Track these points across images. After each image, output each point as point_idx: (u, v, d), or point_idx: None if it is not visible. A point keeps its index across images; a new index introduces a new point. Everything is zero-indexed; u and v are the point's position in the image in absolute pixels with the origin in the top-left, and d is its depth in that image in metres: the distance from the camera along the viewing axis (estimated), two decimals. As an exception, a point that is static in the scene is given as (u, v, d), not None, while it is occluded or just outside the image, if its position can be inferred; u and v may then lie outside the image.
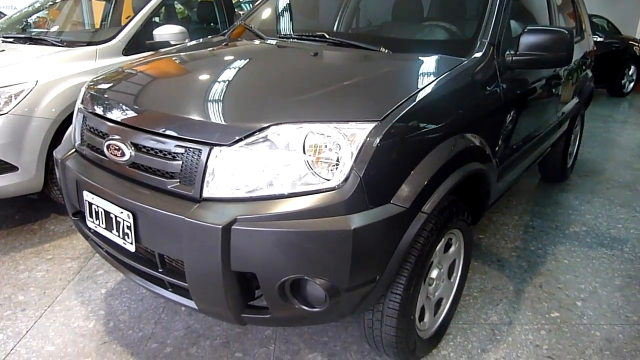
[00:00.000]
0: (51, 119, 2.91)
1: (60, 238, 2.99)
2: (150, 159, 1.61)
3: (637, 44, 8.85)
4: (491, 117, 2.10)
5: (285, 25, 2.79)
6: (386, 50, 2.09)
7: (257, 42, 2.48)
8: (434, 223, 1.71)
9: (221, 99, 1.72)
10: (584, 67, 3.78)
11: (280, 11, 2.91)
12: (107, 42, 3.42)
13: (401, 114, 1.56)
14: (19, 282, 2.54)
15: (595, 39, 7.51)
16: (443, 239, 1.89)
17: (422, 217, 1.61)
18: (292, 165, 1.47)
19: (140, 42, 3.58)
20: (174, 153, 1.56)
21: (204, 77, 2.01)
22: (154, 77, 2.10)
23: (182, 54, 2.41)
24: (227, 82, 1.87)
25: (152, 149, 1.61)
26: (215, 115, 1.61)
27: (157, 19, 4.66)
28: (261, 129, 1.49)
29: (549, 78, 2.78)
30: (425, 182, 1.60)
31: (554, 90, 2.93)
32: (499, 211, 3.50)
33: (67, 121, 2.95)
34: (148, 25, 3.68)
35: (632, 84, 8.75)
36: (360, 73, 1.87)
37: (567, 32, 2.10)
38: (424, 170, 1.61)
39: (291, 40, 2.39)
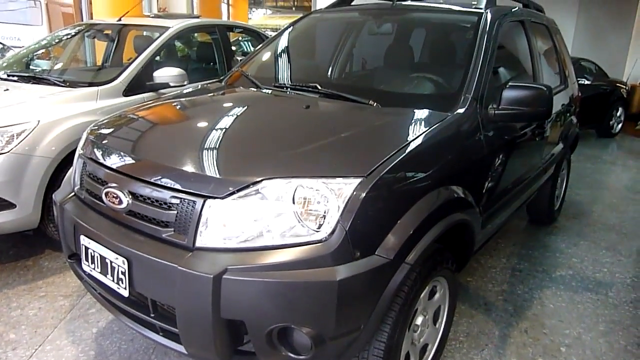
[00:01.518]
0: (51, 158, 2.99)
1: (54, 275, 3.03)
2: (146, 207, 1.69)
3: (624, 87, 9.10)
4: (474, 169, 2.20)
5: (279, 73, 2.91)
6: (375, 104, 2.19)
7: (252, 90, 2.59)
8: (417, 272, 1.78)
9: (216, 151, 1.81)
10: (568, 114, 3.92)
11: (275, 59, 3.05)
12: (109, 83, 3.54)
13: (386, 170, 1.65)
14: (11, 319, 2.56)
15: (582, 82, 7.78)
16: (427, 287, 1.96)
17: (406, 267, 1.68)
18: (281, 218, 1.55)
19: (140, 83, 3.70)
20: (170, 203, 1.64)
21: (200, 127, 2.11)
22: (152, 125, 2.20)
23: (180, 101, 2.52)
24: (222, 133, 1.97)
25: (149, 198, 1.69)
26: (210, 167, 1.70)
27: (157, 58, 4.83)
28: (253, 183, 1.57)
29: (532, 127, 2.90)
30: (409, 234, 1.68)
31: (537, 139, 3.05)
32: (487, 253, 3.57)
33: (66, 160, 3.03)
34: (149, 67, 3.80)
35: (620, 125, 8.95)
36: (349, 127, 1.97)
37: (546, 89, 2.23)
38: (407, 222, 1.69)
39: (285, 90, 2.50)
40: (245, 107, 2.30)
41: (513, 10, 3.06)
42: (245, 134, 1.99)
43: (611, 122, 8.73)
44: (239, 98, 2.52)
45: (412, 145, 1.82)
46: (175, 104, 2.48)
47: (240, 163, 1.74)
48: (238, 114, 2.20)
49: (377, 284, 1.62)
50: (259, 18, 27.40)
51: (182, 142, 1.94)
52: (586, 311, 2.88)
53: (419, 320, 2.00)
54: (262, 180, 1.58)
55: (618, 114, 8.83)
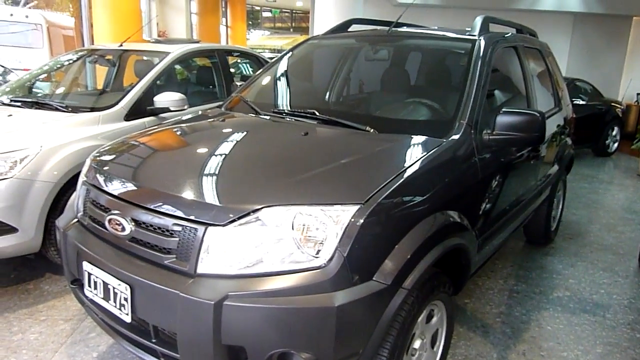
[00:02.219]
0: (53, 182, 3.03)
1: (54, 299, 3.04)
2: (149, 234, 1.73)
3: (619, 106, 9.22)
4: (470, 193, 2.25)
5: (278, 99, 2.97)
6: (372, 130, 2.25)
7: (251, 116, 2.64)
8: (415, 297, 1.81)
9: (216, 178, 1.86)
10: (562, 136, 3.98)
11: (273, 84, 3.11)
12: (110, 108, 3.59)
13: (383, 196, 1.70)
14: (12, 344, 2.58)
15: (578, 102, 7.89)
16: (425, 311, 1.98)
17: (403, 292, 1.72)
18: (281, 244, 1.59)
19: (141, 107, 3.76)
20: (172, 230, 1.68)
21: (201, 154, 2.16)
22: (153, 152, 2.25)
23: (181, 128, 2.57)
24: (222, 160, 2.02)
25: (151, 225, 1.73)
26: (211, 195, 1.74)
27: (158, 82, 4.91)
28: (253, 211, 1.62)
29: (527, 150, 2.95)
30: (406, 259, 1.71)
31: (533, 161, 3.10)
32: (485, 275, 3.59)
33: (68, 184, 3.07)
34: (149, 92, 3.86)
35: (616, 144, 9.05)
36: (347, 154, 2.01)
37: (539, 114, 2.28)
38: (404, 247, 1.73)
39: (284, 116, 2.55)
40: (245, 134, 2.35)
41: (506, 36, 3.15)
42: (245, 161, 2.04)
43: (607, 142, 8.83)
44: (238, 124, 2.58)
45: (409, 172, 1.87)
46: (175, 130, 2.53)
47: (240, 191, 1.78)
48: (237, 141, 2.25)
49: (375, 309, 1.65)
50: (258, 39, 27.77)
51: (183, 169, 1.99)
52: (584, 333, 2.90)
53: (416, 344, 2.02)
54: (261, 208, 1.62)
55: (614, 133, 8.93)
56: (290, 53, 3.28)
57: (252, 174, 1.89)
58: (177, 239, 1.66)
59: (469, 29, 2.91)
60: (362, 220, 1.61)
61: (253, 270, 1.58)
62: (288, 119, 2.52)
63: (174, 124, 2.65)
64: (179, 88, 5.01)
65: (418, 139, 2.19)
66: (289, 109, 2.71)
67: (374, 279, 1.64)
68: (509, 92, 3.07)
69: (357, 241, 1.59)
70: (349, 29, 3.47)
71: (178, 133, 2.51)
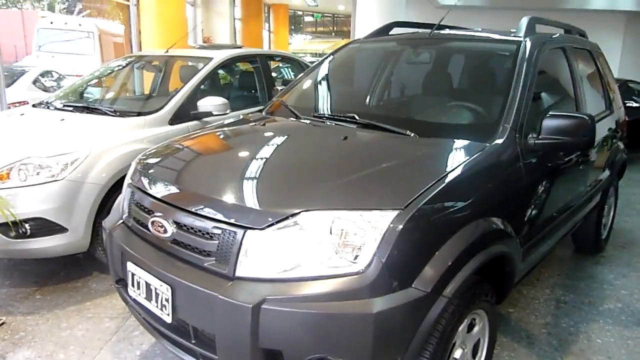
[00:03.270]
0: (101, 185, 3.14)
1: (101, 297, 3.15)
2: (190, 237, 1.76)
3: (676, 109, 8.73)
4: (514, 199, 2.17)
5: (318, 103, 2.98)
6: (412, 134, 2.21)
7: (291, 120, 2.66)
8: (455, 306, 1.76)
9: (256, 182, 1.88)
10: (614, 140, 3.81)
11: (314, 88, 3.12)
12: (155, 112, 3.70)
13: (423, 202, 1.66)
14: (60, 339, 2.68)
15: (631, 105, 7.53)
16: (466, 320, 1.93)
17: (443, 300, 1.68)
18: (319, 249, 1.58)
19: (185, 112, 3.85)
20: (212, 233, 1.70)
21: (241, 158, 2.19)
22: (196, 156, 2.30)
23: (222, 132, 2.61)
24: (261, 164, 2.04)
25: (192, 228, 1.76)
26: (250, 199, 1.76)
27: (202, 87, 5.02)
28: (292, 215, 1.62)
29: (576, 155, 2.83)
30: (446, 267, 1.67)
31: (581, 166, 2.98)
32: (530, 284, 3.47)
33: (115, 186, 3.17)
34: (193, 96, 3.96)
35: (672, 149, 8.57)
36: (386, 159, 1.99)
37: (588, 118, 2.19)
38: (445, 255, 1.69)
39: (323, 120, 2.56)
40: (285, 138, 2.36)
41: (554, 37, 3.04)
42: (284, 165, 2.05)
43: (662, 146, 8.37)
44: (279, 128, 2.60)
45: (450, 177, 1.83)
46: (217, 134, 2.58)
47: (279, 195, 1.79)
48: (277, 145, 2.27)
49: (414, 316, 1.62)
50: (300, 43, 28.01)
51: (223, 173, 2.02)
52: (637, 347, 2.75)
53: (457, 353, 1.96)
54: (300, 212, 1.62)
55: (670, 137, 8.46)
56: (331, 57, 3.28)
57: (291, 178, 1.90)
58: (217, 241, 1.68)
59: (514, 30, 2.83)
60: (401, 226, 1.59)
61: (291, 275, 1.58)
62: (328, 123, 2.52)
63: (215, 128, 2.70)
64: (222, 93, 5.10)
65: (460, 143, 2.14)
66: (329, 113, 2.71)
67: (413, 286, 1.61)
68: (557, 95, 2.96)
69: (396, 247, 1.57)
70: (390, 32, 3.44)
71: (219, 137, 2.56)
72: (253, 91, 4.99)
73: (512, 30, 2.86)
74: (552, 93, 2.92)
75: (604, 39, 7.23)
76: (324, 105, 2.92)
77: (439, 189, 1.75)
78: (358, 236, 1.58)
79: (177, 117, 3.82)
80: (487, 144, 2.11)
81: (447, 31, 3.23)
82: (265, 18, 19.65)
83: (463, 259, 1.75)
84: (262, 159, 2.11)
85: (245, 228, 1.63)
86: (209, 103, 3.87)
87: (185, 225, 1.79)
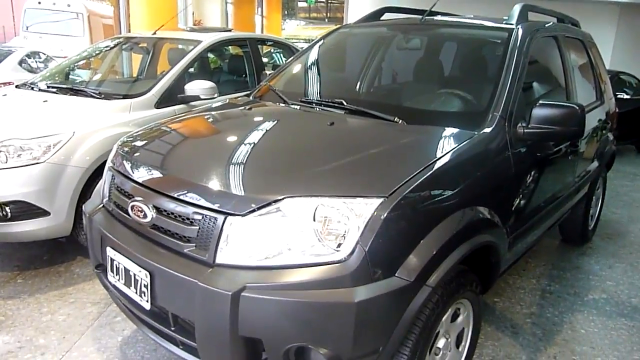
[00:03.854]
0: (84, 168, 3.08)
1: (84, 282, 3.10)
2: (169, 222, 1.72)
3: (666, 101, 8.76)
4: (501, 189, 2.15)
5: (306, 88, 2.92)
6: (400, 121, 2.18)
7: (279, 105, 2.61)
8: (439, 295, 1.74)
9: (239, 167, 1.83)
10: (604, 131, 3.79)
11: (302, 73, 3.06)
12: (141, 95, 3.63)
13: (408, 190, 1.63)
14: (41, 324, 2.64)
15: (622, 96, 7.53)
16: (450, 309, 1.91)
17: (427, 290, 1.65)
18: (301, 237, 1.55)
19: (172, 95, 3.78)
20: (192, 219, 1.66)
21: (225, 143, 2.14)
22: (178, 140, 2.25)
23: (207, 116, 2.56)
24: (245, 150, 1.99)
25: (172, 213, 1.72)
26: (232, 184, 1.71)
27: (191, 70, 4.94)
28: (275, 201, 1.58)
29: (565, 145, 2.81)
30: (431, 256, 1.65)
31: (570, 157, 2.96)
32: (516, 273, 3.48)
33: (98, 170, 3.11)
34: (180, 80, 3.88)
35: (661, 141, 8.62)
36: (373, 145, 1.95)
37: (578, 107, 2.16)
38: (430, 243, 1.67)
39: (311, 105, 2.51)
40: (270, 123, 2.32)
41: (546, 25, 3.00)
42: (269, 151, 2.01)
43: (652, 138, 8.41)
44: (265, 113, 2.54)
45: (437, 165, 1.80)
46: (202, 119, 2.52)
47: (262, 180, 1.75)
48: (263, 130, 2.22)
49: (397, 306, 1.60)
50: (293, 29, 27.72)
51: (206, 157, 1.97)
52: (620, 338, 2.77)
53: (440, 343, 1.95)
54: (283, 199, 1.59)
55: (659, 129, 8.49)
56: (321, 42, 3.22)
57: (274, 164, 1.86)
58: (197, 227, 1.65)
59: (506, 18, 2.78)
60: (385, 214, 1.56)
61: (272, 262, 1.54)
62: (315, 109, 2.47)
63: (200, 112, 2.64)
64: (212, 76, 5.03)
65: (448, 130, 2.11)
66: (317, 98, 2.66)
67: (396, 275, 1.59)
68: (548, 84, 2.94)
69: (380, 235, 1.54)
70: (382, 18, 3.39)
71: (202, 121, 2.50)
72: (243, 75, 4.91)
73: (504, 18, 2.82)
74: (543, 82, 2.89)
75: (597, 30, 7.19)
76: (312, 90, 2.87)
77: (425, 177, 1.72)
78: (341, 224, 1.55)
79: (164, 101, 3.75)
80: (476, 132, 2.07)
81: (439, 17, 3.18)
82: (258, 2, 19.40)
83: (448, 248, 1.73)
84: (245, 144, 2.06)
85: (226, 214, 1.60)
86: (197, 87, 3.80)
87: (165, 211, 1.74)
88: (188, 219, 1.67)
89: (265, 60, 7.78)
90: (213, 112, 2.63)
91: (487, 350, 2.58)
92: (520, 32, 2.56)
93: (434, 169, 1.77)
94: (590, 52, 3.74)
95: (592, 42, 3.89)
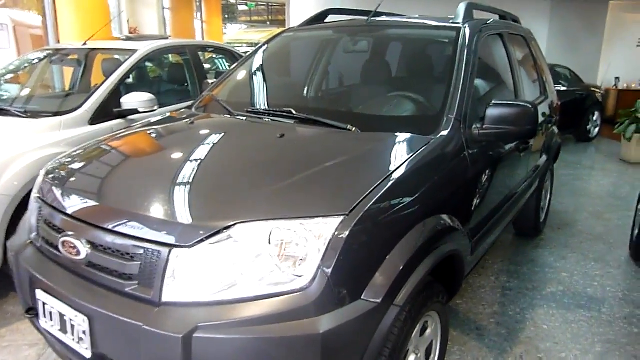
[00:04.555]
0: (11, 195, 2.79)
1: (18, 321, 2.81)
2: (107, 258, 1.53)
3: (599, 91, 9.19)
4: (461, 194, 2.09)
5: (251, 97, 2.76)
6: (354, 129, 2.07)
7: (223, 117, 2.44)
8: (407, 312, 1.64)
9: (182, 192, 1.65)
10: (550, 125, 3.86)
11: (247, 81, 2.91)
12: (73, 112, 3.35)
13: (369, 205, 1.52)
14: (-30, 375, 2.36)
15: (559, 89, 7.81)
16: (419, 325, 1.82)
17: (395, 309, 1.55)
18: (257, 265, 1.41)
19: (107, 110, 3.52)
20: (132, 253, 1.48)
21: (165, 164, 1.94)
22: (112, 163, 2.02)
23: (144, 134, 2.34)
24: (189, 171, 1.81)
25: (109, 248, 1.53)
26: (176, 212, 1.54)
27: (129, 80, 4.66)
28: (225, 228, 1.43)
29: (517, 142, 2.80)
30: (397, 274, 1.55)
31: (522, 154, 2.96)
32: (476, 272, 3.46)
33: (28, 196, 2.83)
34: (116, 93, 3.63)
35: (597, 129, 9.03)
36: (327, 158, 1.82)
37: (531, 106, 2.13)
38: (395, 260, 1.57)
39: (258, 116, 2.36)
40: (216, 138, 2.14)
41: (492, 23, 2.99)
42: (215, 171, 1.83)
43: (588, 127, 8.80)
44: (209, 127, 2.36)
45: (396, 175, 1.70)
46: (139, 136, 2.31)
47: (210, 205, 1.59)
48: (208, 147, 2.04)
49: (365, 330, 1.49)
50: (235, 33, 27.27)
51: (144, 182, 1.78)
52: (581, 331, 2.78)
53: (411, 359, 1.86)
54: (234, 225, 1.44)
55: (595, 118, 8.91)
56: (264, 47, 3.07)
57: (223, 186, 1.69)
58: (139, 263, 1.47)
59: (452, 17, 2.74)
60: (346, 233, 1.44)
61: (226, 296, 1.39)
62: (262, 119, 2.32)
63: (137, 129, 2.42)
64: (151, 87, 4.77)
65: (404, 137, 2.02)
66: (264, 107, 2.51)
67: (362, 297, 1.47)
68: (496, 82, 2.92)
69: (343, 257, 1.42)
70: (326, 20, 3.28)
71: (141, 140, 2.29)
72: (185, 84, 4.68)
73: (450, 17, 2.78)
74: (492, 80, 2.87)
75: (530, 25, 7.41)
76: (258, 99, 2.71)
77: (385, 189, 1.62)
78: (300, 248, 1.42)
79: (99, 116, 3.49)
80: (432, 137, 2.00)
81: (384, 18, 3.11)
82: (198, 7, 18.95)
83: (414, 262, 1.63)
84: (189, 164, 1.87)
85: (171, 246, 1.43)
86: (134, 99, 3.55)
87: (101, 245, 1.55)
88: (128, 253, 1.49)
89: (208, 67, 7.54)
90: (152, 128, 2.42)
91: (454, 356, 2.52)
92: (467, 30, 2.52)
93: (394, 179, 1.67)
94: (532, 48, 3.79)
95: (533, 38, 3.95)
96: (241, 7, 26.80)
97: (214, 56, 7.79)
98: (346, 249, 1.43)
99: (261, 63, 2.94)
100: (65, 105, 3.61)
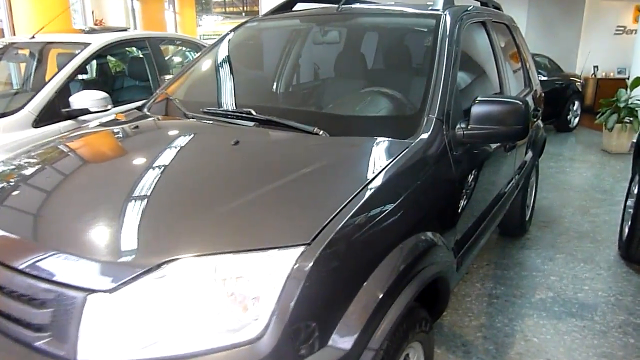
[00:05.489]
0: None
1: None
2: (11, 304, 1.23)
3: (578, 80, 9.07)
4: (445, 204, 1.84)
5: (209, 95, 2.45)
6: (322, 132, 1.79)
7: (174, 120, 2.14)
8: (385, 351, 1.38)
9: (106, 220, 1.35)
10: (535, 119, 3.64)
11: (204, 78, 2.60)
12: (13, 114, 3.01)
13: (337, 229, 1.25)
14: None
15: (540, 78, 7.65)
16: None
17: (370, 354, 1.29)
18: (197, 312, 1.13)
19: (54, 111, 3.19)
20: (43, 299, 1.19)
21: (90, 185, 1.61)
22: (25, 182, 1.66)
23: (75, 142, 2.00)
24: (117, 194, 1.49)
25: (15, 291, 1.23)
26: (94, 247, 1.25)
27: (85, 77, 4.31)
28: (158, 266, 1.15)
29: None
30: (371, 311, 1.29)
31: (508, 153, 2.73)
32: (461, 279, 3.23)
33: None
34: (65, 91, 3.29)
35: (577, 119, 8.92)
36: (287, 171, 1.54)
37: (521, 103, 1.89)
38: (368, 295, 1.30)
39: (214, 118, 2.05)
40: (157, 149, 1.80)
41: (473, 10, 2.74)
42: (149, 192, 1.51)
43: (569, 117, 8.68)
44: (153, 134, 2.05)
45: (370, 190, 1.43)
46: (66, 147, 1.94)
47: (139, 237, 1.29)
48: (145, 161, 1.71)
49: (334, 385, 1.22)
50: (212, 25, 26.57)
51: (60, 206, 1.46)
52: (574, 343, 2.57)
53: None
54: (169, 261, 1.16)
55: (575, 107, 8.79)
56: (225, 40, 2.77)
57: (156, 211, 1.38)
58: (51, 310, 1.17)
59: (431, 3, 2.48)
60: (308, 267, 1.17)
61: (157, 353, 1.11)
62: (219, 122, 2.02)
63: (68, 136, 2.08)
64: (108, 84, 4.44)
65: (379, 142, 1.75)
66: (221, 108, 2.20)
67: (329, 344, 1.21)
68: (481, 75, 2.67)
69: (303, 296, 1.15)
70: (295, 8, 2.98)
71: (66, 151, 1.93)
72: (147, 80, 4.34)
73: (428, 3, 2.51)
74: (476, 73, 2.62)
75: (509, 13, 7.22)
76: (216, 98, 2.40)
77: (356, 207, 1.35)
78: (251, 288, 1.15)
79: (45, 118, 3.16)
80: (411, 141, 1.73)
81: (357, 5, 2.82)
82: (170, -1, 18.38)
83: (392, 294, 1.37)
84: (118, 183, 1.57)
85: (87, 290, 1.14)
86: (85, 98, 3.23)
87: (4, 287, 1.25)
88: (37, 299, 1.20)
89: (179, 60, 7.16)
90: (85, 136, 2.08)
91: (440, 380, 2.28)
92: (448, 18, 2.27)
93: (367, 195, 1.41)
94: (516, 36, 3.56)
95: (516, 26, 3.72)
96: (216, -2, 26.19)
97: (184, 49, 7.43)
98: (308, 287, 1.16)
99: (221, 57, 2.64)
100: (7, 106, 3.26)
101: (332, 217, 1.28)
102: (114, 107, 3.35)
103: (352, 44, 2.65)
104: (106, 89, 4.41)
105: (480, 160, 2.20)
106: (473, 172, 2.09)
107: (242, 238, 1.23)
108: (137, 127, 2.07)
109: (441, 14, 2.29)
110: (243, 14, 26.13)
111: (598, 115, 7.26)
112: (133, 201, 1.42)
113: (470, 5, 2.93)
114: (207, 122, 2.03)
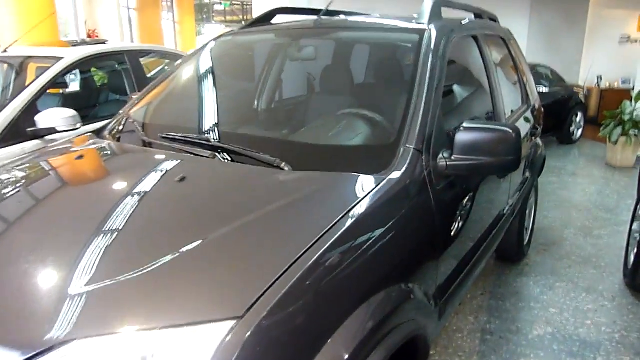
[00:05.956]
0: None
1: None
2: None
3: (581, 90, 8.84)
4: (424, 249, 1.61)
5: (170, 118, 2.24)
6: (284, 166, 1.57)
7: (125, 146, 1.93)
8: None
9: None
10: (533, 138, 3.42)
11: (169, 98, 2.38)
12: (-30, 134, 2.82)
13: (277, 299, 1.03)
14: None
15: (541, 90, 7.42)
16: None
17: None
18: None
19: (19, 130, 2.99)
20: None
21: None
22: None
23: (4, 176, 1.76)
24: (22, 251, 1.25)
25: None
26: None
27: (66, 91, 4.13)
28: (59, 345, 0.93)
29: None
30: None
31: (502, 180, 2.50)
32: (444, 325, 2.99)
33: None
34: (32, 109, 3.10)
35: (580, 131, 8.68)
36: (231, 218, 1.31)
37: (512, 130, 1.67)
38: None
39: (167, 145, 1.82)
40: (95, 187, 1.56)
41: (464, 23, 2.53)
42: (62, 248, 1.26)
43: (572, 129, 8.44)
44: (95, 166, 1.82)
45: (327, 243, 1.21)
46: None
47: (37, 307, 1.07)
48: (74, 203, 1.46)
49: None
50: (216, 34, 26.44)
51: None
52: (575, 391, 2.34)
53: None
54: (71, 341, 0.94)
55: (578, 119, 8.55)
56: (197, 55, 2.56)
57: (62, 275, 1.15)
58: None
59: (416, 16, 2.27)
60: (239, 347, 0.95)
61: None
62: (174, 150, 1.80)
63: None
64: (97, 97, 4.27)
65: (346, 178, 1.52)
66: (179, 133, 1.95)
67: None
68: (470, 96, 2.45)
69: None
70: (273, 21, 2.78)
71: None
72: (127, 95, 4.14)
73: (413, 16, 2.31)
74: (465, 93, 2.40)
75: (510, 23, 6.99)
76: (178, 121, 2.18)
77: (309, 264, 1.13)
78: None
79: (9, 137, 2.96)
80: (383, 177, 1.51)
81: (338, 18, 2.62)
82: (169, 8, 18.33)
83: (353, 366, 1.15)
84: (24, 238, 1.33)
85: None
86: (51, 116, 3.04)
87: None
88: None
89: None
90: (16, 168, 1.82)
91: None
92: (434, 33, 2.05)
93: (324, 249, 1.18)
94: (513, 51, 3.34)
95: (513, 39, 3.51)
96: (217, 7, 26.16)
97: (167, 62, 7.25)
98: (240, 369, 0.94)
99: (188, 76, 2.43)
100: (-34, 125, 3.06)
101: (273, 280, 1.06)
102: (98, 121, 3.13)
103: (329, 61, 2.44)
104: (90, 103, 4.25)
105: (468, 190, 1.98)
106: (459, 205, 1.87)
107: (162, 310, 1.00)
108: (81, 155, 1.85)
109: (425, 29, 2.08)
110: (243, 22, 26.09)
111: (602, 128, 7.03)
112: (39, 260, 1.19)
113: (465, 18, 2.73)
114: (162, 150, 1.82)
